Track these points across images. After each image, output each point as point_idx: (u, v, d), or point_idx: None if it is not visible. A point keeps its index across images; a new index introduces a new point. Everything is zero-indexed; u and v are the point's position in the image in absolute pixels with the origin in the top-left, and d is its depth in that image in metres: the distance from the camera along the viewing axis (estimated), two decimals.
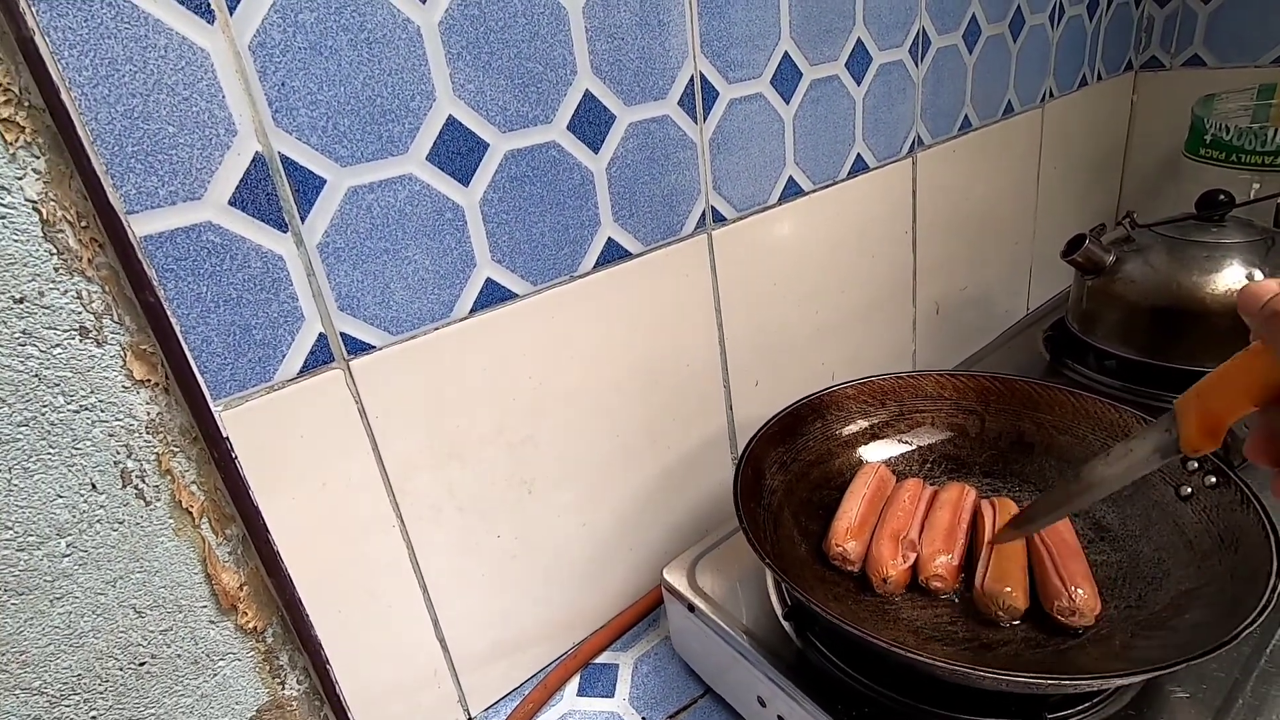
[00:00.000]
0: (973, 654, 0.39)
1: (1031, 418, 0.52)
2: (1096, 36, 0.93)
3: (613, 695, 0.54)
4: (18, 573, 0.35)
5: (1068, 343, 0.76)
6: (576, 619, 0.57)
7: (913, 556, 0.44)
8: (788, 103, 0.59)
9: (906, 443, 0.56)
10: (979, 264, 0.88)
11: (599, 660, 0.57)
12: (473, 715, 0.53)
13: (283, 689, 0.45)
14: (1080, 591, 0.40)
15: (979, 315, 0.91)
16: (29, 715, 0.36)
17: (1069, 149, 0.96)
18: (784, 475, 0.51)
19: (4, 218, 0.31)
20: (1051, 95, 0.89)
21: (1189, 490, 0.43)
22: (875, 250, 0.73)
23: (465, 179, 0.42)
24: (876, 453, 0.55)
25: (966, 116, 0.78)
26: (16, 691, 0.36)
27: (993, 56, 0.78)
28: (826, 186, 0.65)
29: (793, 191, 0.62)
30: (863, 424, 0.56)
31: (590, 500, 0.55)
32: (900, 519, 0.46)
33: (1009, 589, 0.40)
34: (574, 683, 0.55)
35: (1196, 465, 0.43)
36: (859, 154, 0.67)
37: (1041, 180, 0.93)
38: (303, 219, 0.37)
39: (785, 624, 0.45)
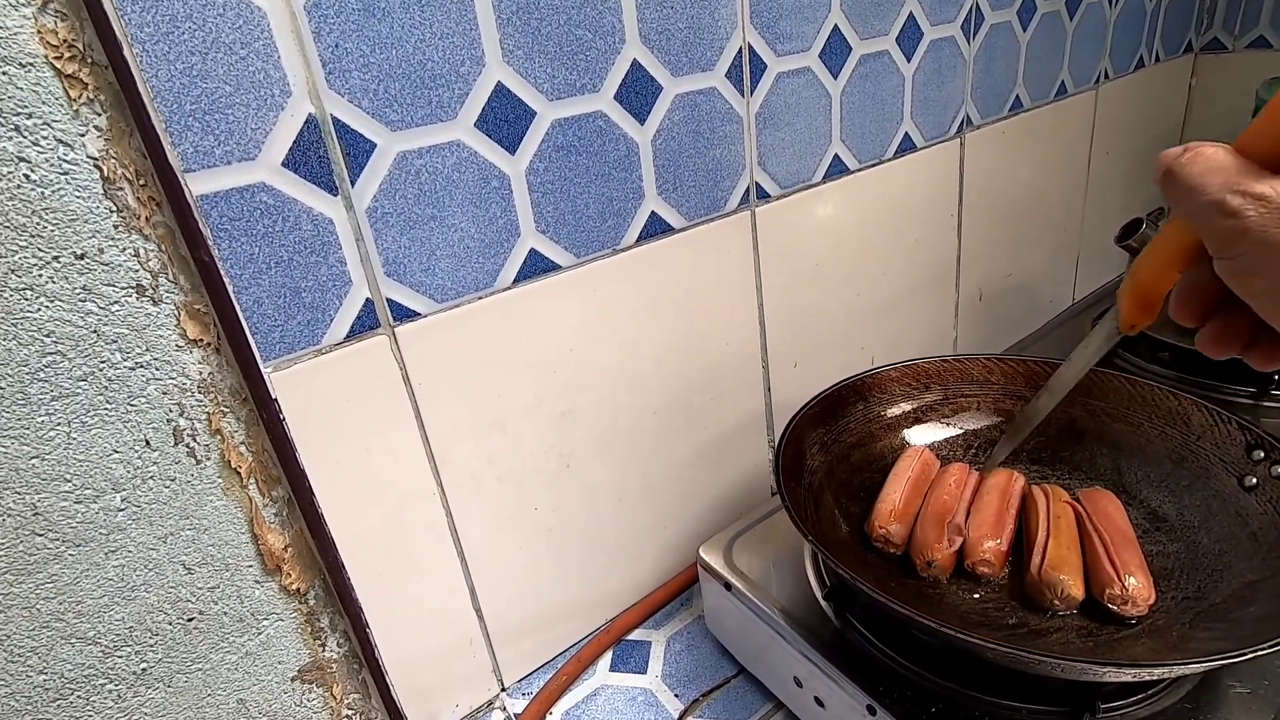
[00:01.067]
0: (1022, 641, 0.38)
1: (1084, 404, 0.51)
2: (1156, 16, 0.90)
3: (645, 672, 0.53)
4: (75, 525, 0.35)
5: None
6: (609, 595, 0.57)
7: (959, 541, 0.43)
8: (836, 78, 0.57)
9: (950, 427, 0.54)
10: (1025, 250, 0.85)
11: (631, 637, 0.57)
12: (506, 686, 0.53)
13: (323, 651, 0.46)
14: (1133, 580, 0.38)
15: (1023, 303, 0.89)
16: (84, 664, 0.37)
17: (1122, 133, 0.93)
18: (824, 456, 0.50)
19: (67, 174, 0.32)
20: (1107, 76, 0.86)
21: (1254, 481, 0.41)
22: (919, 233, 0.71)
23: (512, 147, 0.42)
24: (919, 437, 0.54)
25: (1018, 97, 0.75)
26: (73, 640, 0.37)
27: (1047, 35, 0.75)
28: (872, 166, 0.63)
29: (838, 170, 0.61)
30: (905, 407, 0.55)
31: (626, 477, 0.55)
32: (946, 503, 0.45)
33: (1065, 576, 0.39)
34: (607, 658, 0.55)
35: (1263, 455, 0.41)
36: (906, 133, 0.65)
37: (1092, 165, 0.90)
38: (352, 183, 0.37)
39: (825, 604, 0.45)
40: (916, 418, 0.54)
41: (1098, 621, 0.39)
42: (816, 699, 0.43)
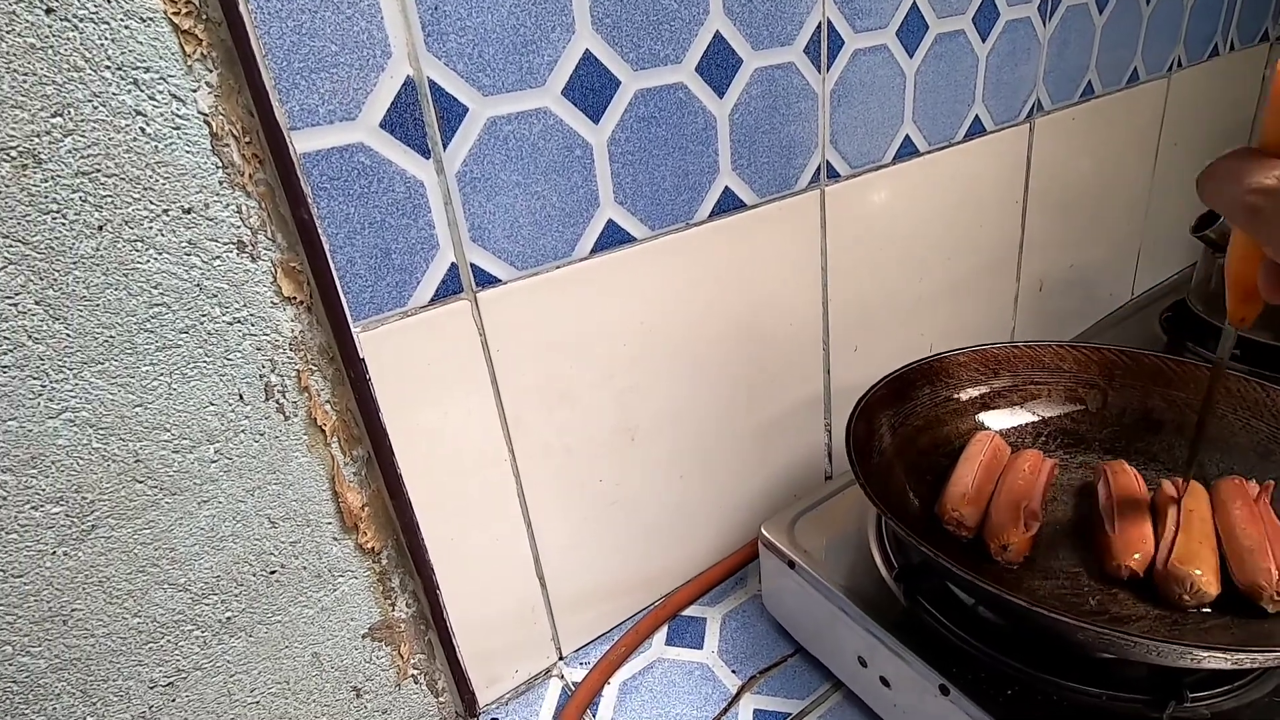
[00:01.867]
0: (1107, 626, 0.37)
1: (1162, 394, 0.50)
2: (1234, 2, 0.87)
3: (701, 647, 0.54)
4: (172, 473, 0.37)
5: (1189, 324, 0.71)
6: (666, 570, 0.58)
7: (1035, 526, 0.42)
8: (911, 57, 0.56)
9: (1020, 414, 0.53)
10: (1087, 241, 0.83)
11: (687, 613, 0.57)
12: (564, 655, 0.54)
13: (393, 610, 0.47)
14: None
15: (1082, 296, 0.87)
16: (174, 609, 0.39)
17: (1192, 124, 0.90)
18: (892, 438, 0.49)
19: (179, 129, 0.32)
20: (1180, 65, 0.84)
21: None
22: (984, 219, 0.70)
23: (596, 116, 0.42)
24: (988, 423, 0.53)
25: (1090, 83, 0.73)
26: (165, 586, 0.38)
27: (1123, 19, 0.73)
28: (942, 148, 0.62)
29: (908, 151, 0.60)
30: (973, 393, 0.54)
31: (687, 453, 0.55)
32: (1020, 488, 0.44)
33: (1199, 571, 0.38)
34: (662, 632, 0.55)
35: None
36: (977, 115, 0.64)
37: (1160, 156, 0.88)
38: (444, 146, 0.38)
39: (893, 585, 0.45)
40: (985, 403, 0.54)
41: (1174, 609, 0.39)
42: (882, 678, 0.43)
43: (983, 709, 0.37)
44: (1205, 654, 0.30)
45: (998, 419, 0.53)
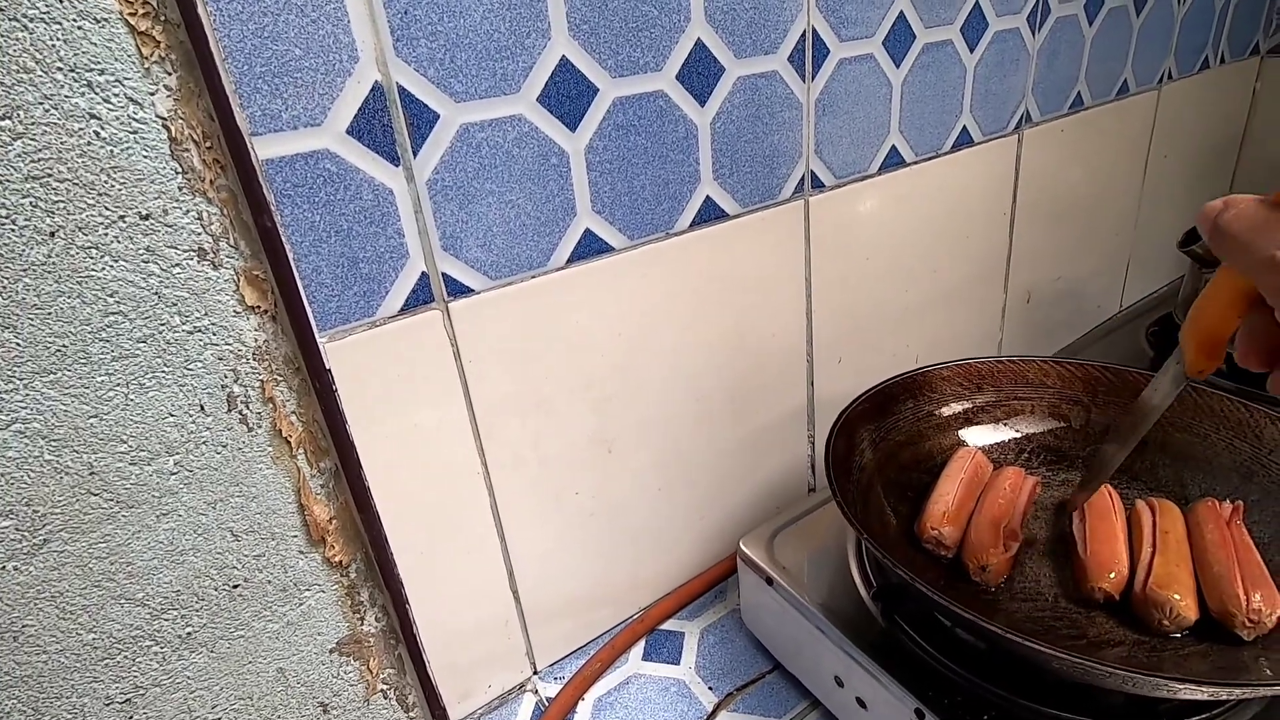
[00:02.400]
0: (1081, 652, 0.37)
1: None
2: (1225, 14, 0.86)
3: (678, 663, 0.53)
4: (129, 486, 0.35)
5: (1175, 339, 0.71)
6: (644, 584, 0.57)
7: (1014, 546, 0.42)
8: (898, 66, 0.56)
9: (1003, 430, 0.53)
10: (1076, 253, 0.83)
11: (664, 627, 0.56)
12: (538, 669, 0.53)
13: (362, 624, 0.46)
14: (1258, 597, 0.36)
15: (1070, 308, 0.87)
16: (131, 625, 0.38)
17: (1182, 136, 0.90)
18: (873, 453, 0.49)
19: (135, 133, 0.31)
20: (1170, 77, 0.83)
21: None
22: (971, 231, 0.69)
23: (573, 124, 0.41)
24: (971, 438, 0.53)
25: (1079, 94, 0.73)
26: (122, 601, 0.37)
27: (1113, 30, 0.73)
28: (929, 159, 0.62)
29: (894, 161, 0.59)
30: (956, 408, 0.53)
31: (666, 465, 0.54)
32: (1001, 507, 0.43)
33: (1177, 596, 0.37)
34: (639, 647, 0.54)
35: None
36: (965, 126, 0.63)
37: (1149, 168, 0.88)
38: (415, 153, 0.37)
39: (871, 604, 0.44)
40: (968, 419, 0.53)
41: (1151, 634, 0.38)
42: (859, 699, 0.42)
43: None
44: (1181, 686, 0.29)
45: (980, 435, 0.53)
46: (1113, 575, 0.39)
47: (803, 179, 0.54)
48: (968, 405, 0.53)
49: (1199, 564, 0.39)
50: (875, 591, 0.44)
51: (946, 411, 0.53)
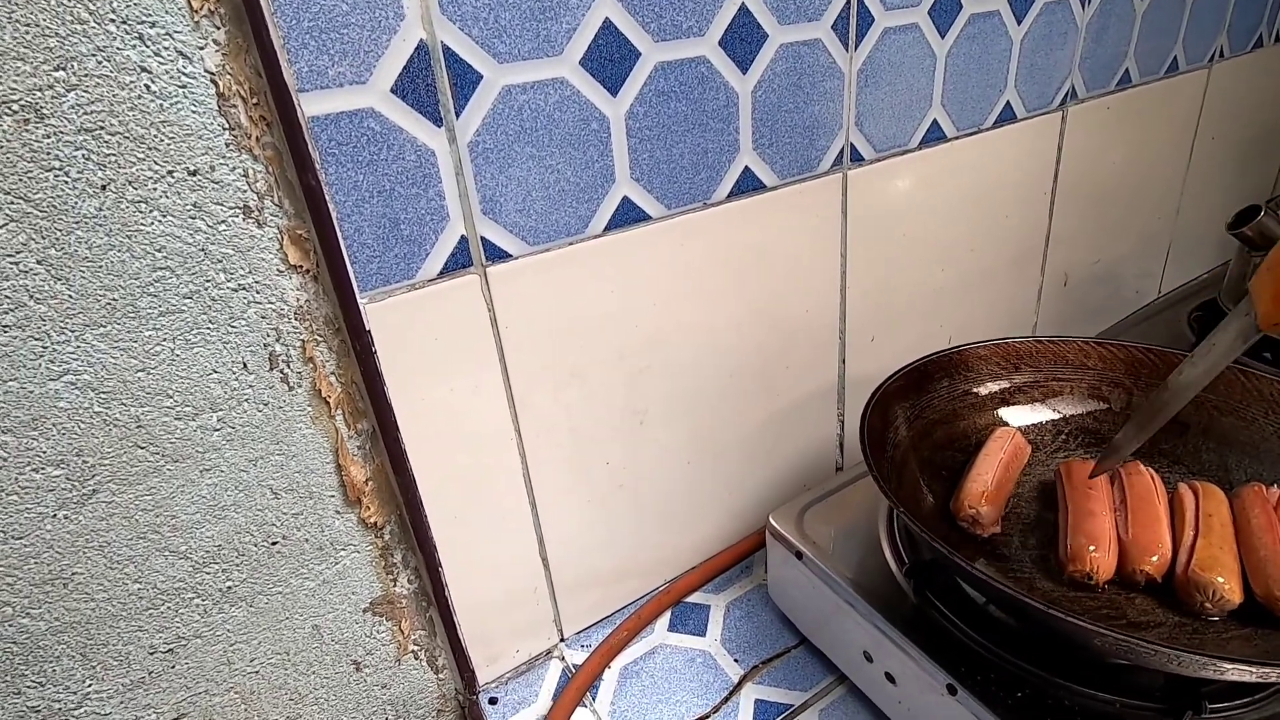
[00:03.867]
0: (1122, 630, 0.36)
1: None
2: None
3: (704, 635, 0.53)
4: (174, 440, 0.36)
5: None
6: (671, 556, 0.57)
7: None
8: (943, 37, 0.54)
9: (1040, 411, 0.52)
10: (1115, 236, 0.81)
11: (690, 600, 0.56)
12: (565, 637, 0.54)
13: (395, 586, 0.46)
14: None
15: (1108, 291, 0.85)
16: (174, 577, 0.38)
17: (1231, 117, 0.87)
18: (908, 430, 0.48)
19: (185, 87, 0.31)
20: (1222, 55, 0.81)
21: None
22: (1010, 210, 0.68)
23: (614, 88, 0.41)
24: (1007, 418, 0.52)
25: (1127, 71, 0.71)
26: (166, 553, 0.38)
27: (1165, 4, 0.70)
28: (970, 134, 0.60)
29: (935, 136, 0.58)
30: (993, 387, 0.52)
31: (697, 439, 0.54)
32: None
33: (1221, 579, 0.36)
34: (665, 618, 0.55)
35: None
36: (1009, 101, 0.62)
37: (1196, 150, 0.85)
38: (457, 114, 0.36)
39: (903, 580, 0.44)
40: (1004, 399, 0.52)
41: (1190, 617, 0.37)
42: (888, 674, 0.42)
43: (991, 711, 0.36)
44: (1230, 666, 0.29)
45: (1017, 415, 0.52)
46: (1155, 558, 0.38)
47: (842, 151, 0.53)
48: (1005, 385, 0.52)
49: (1244, 548, 0.39)
50: (909, 568, 0.43)
51: (983, 391, 0.52)
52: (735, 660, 0.51)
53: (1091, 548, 0.40)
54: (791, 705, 0.47)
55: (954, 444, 0.50)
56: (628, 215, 0.44)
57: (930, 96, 0.56)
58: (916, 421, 0.49)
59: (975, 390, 0.52)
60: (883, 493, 0.39)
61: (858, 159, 0.54)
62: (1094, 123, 0.70)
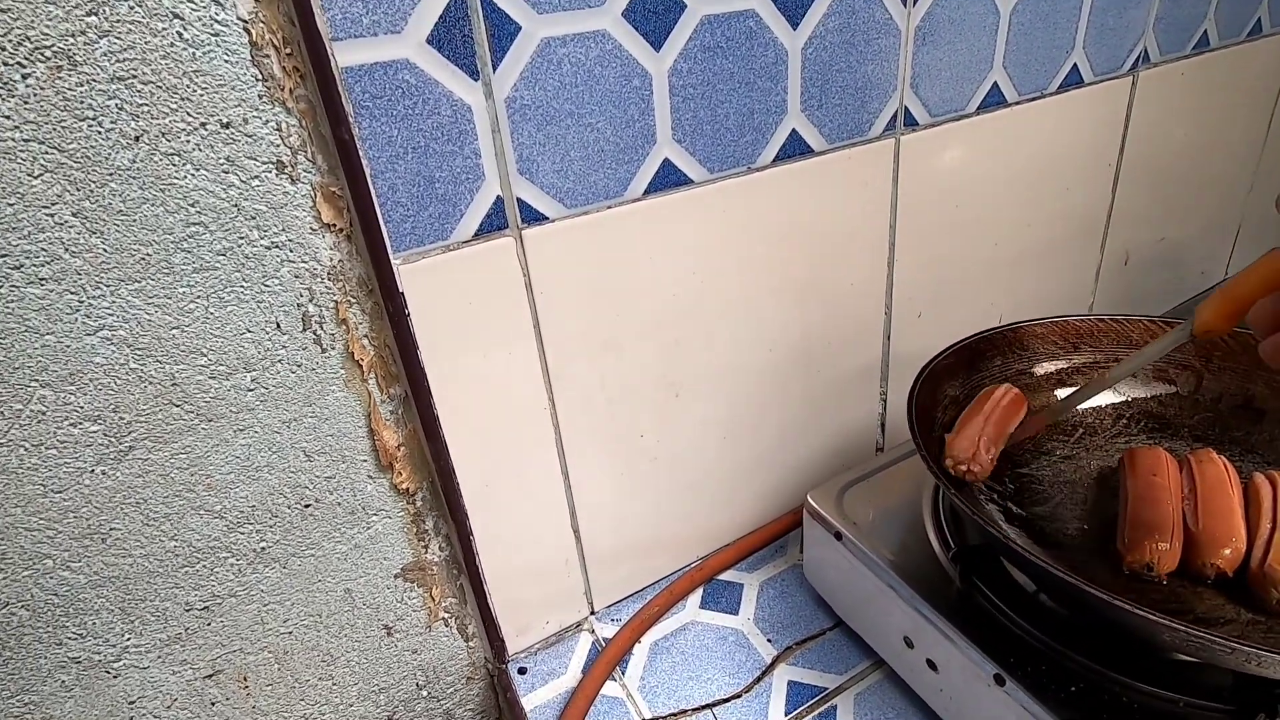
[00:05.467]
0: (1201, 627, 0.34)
1: (1267, 380, 0.45)
2: None
3: (736, 613, 0.52)
4: (208, 399, 0.36)
5: None
6: (703, 533, 0.56)
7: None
8: None
9: (1101, 394, 0.49)
10: (1182, 213, 0.76)
11: (723, 577, 0.55)
12: (595, 610, 0.53)
13: (426, 552, 0.46)
14: None
15: (1171, 273, 0.80)
16: (209, 536, 0.38)
17: None
18: (956, 411, 0.46)
19: (217, 35, 0.31)
20: None
21: None
22: (1071, 182, 0.64)
23: (658, 43, 0.39)
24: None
25: (1205, 33, 0.66)
26: (201, 512, 0.38)
27: None
28: (1033, 99, 0.57)
29: (995, 100, 0.54)
30: (1049, 368, 0.50)
31: (734, 414, 0.52)
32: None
33: None
34: (697, 595, 0.54)
35: None
36: (1075, 64, 0.58)
37: (1275, 122, 0.79)
38: (494, 68, 0.35)
39: (948, 564, 0.42)
40: (1061, 379, 0.49)
41: (1265, 614, 0.35)
42: (929, 661, 0.41)
43: (1042, 704, 0.34)
44: None
45: None
46: (1228, 551, 0.36)
47: (895, 115, 0.50)
48: (1063, 365, 0.49)
49: None
50: (955, 552, 0.41)
51: (1039, 371, 0.49)
52: (768, 640, 0.50)
53: (1154, 538, 0.37)
54: (826, 688, 0.46)
55: None
56: (668, 178, 0.42)
57: (991, 57, 0.53)
58: (966, 402, 0.47)
59: (1030, 370, 0.49)
60: (931, 472, 0.37)
61: (911, 124, 0.51)
62: (1166, 90, 0.66)
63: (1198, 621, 0.34)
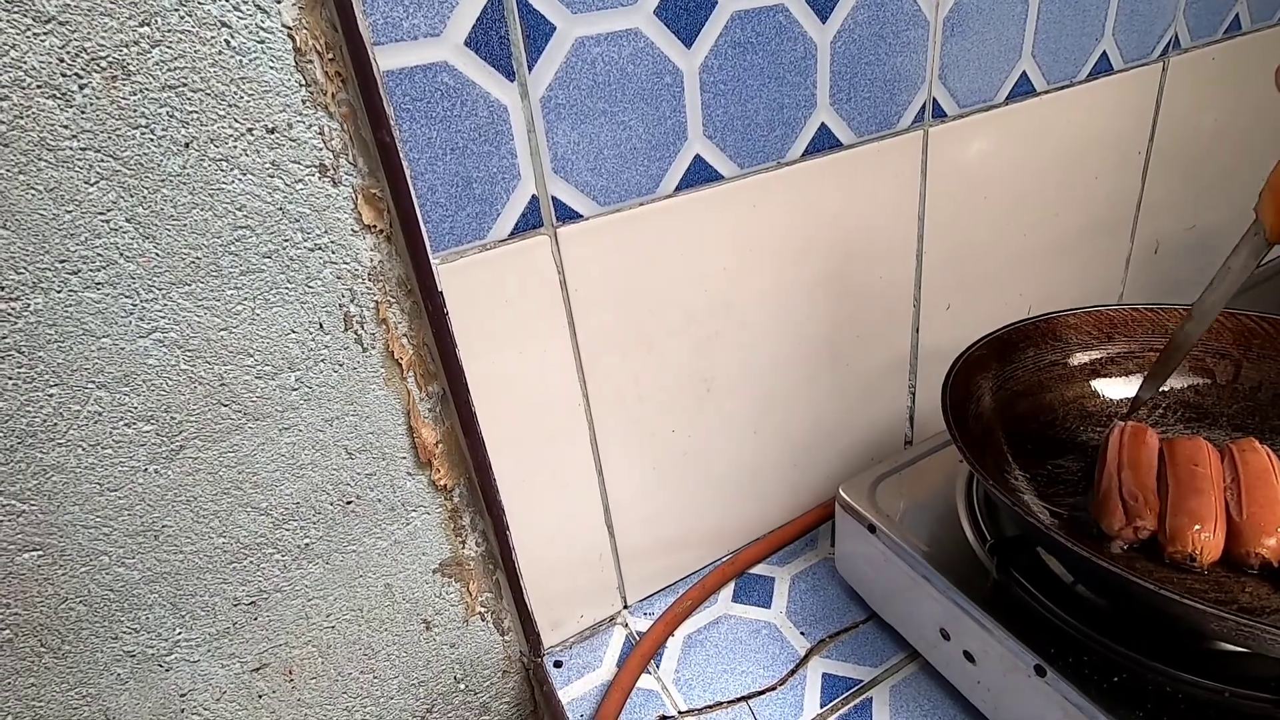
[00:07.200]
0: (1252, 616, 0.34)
1: None
2: None
3: (769, 606, 0.52)
4: (255, 399, 0.37)
5: None
6: (735, 527, 0.56)
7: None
8: None
9: (1136, 384, 0.49)
10: (1213, 201, 0.75)
11: (755, 571, 0.55)
12: (629, 604, 0.54)
13: (463, 548, 0.47)
14: None
15: (1201, 262, 0.79)
16: (256, 532, 0.39)
17: None
18: (991, 401, 0.46)
19: (263, 42, 0.31)
20: None
21: None
22: (1100, 170, 0.63)
23: (689, 39, 0.39)
24: (1101, 390, 0.49)
25: (1237, 16, 0.65)
26: (248, 509, 0.39)
27: None
28: (1062, 88, 0.56)
29: (1023, 90, 0.54)
30: (1083, 358, 0.49)
31: (764, 409, 0.53)
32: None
33: None
34: (729, 589, 0.54)
35: None
36: (1105, 51, 0.57)
37: None
38: (530, 68, 0.35)
39: (984, 556, 0.42)
40: (1096, 370, 0.49)
41: None
42: (966, 653, 0.41)
43: (1084, 695, 0.34)
44: None
45: (1111, 387, 0.49)
46: (1272, 540, 0.35)
47: (924, 107, 0.50)
48: (1098, 355, 0.49)
49: None
50: (992, 544, 0.41)
51: (1073, 361, 0.49)
52: (801, 633, 0.50)
53: (1196, 527, 0.37)
54: (861, 680, 0.46)
55: (1039, 417, 0.48)
56: (699, 174, 0.43)
57: (1020, 46, 0.52)
58: (1000, 393, 0.47)
59: (1064, 360, 0.49)
60: (968, 464, 0.37)
61: (940, 115, 0.51)
62: (1197, 76, 0.65)
63: (1242, 610, 0.34)
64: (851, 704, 0.45)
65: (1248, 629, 0.28)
